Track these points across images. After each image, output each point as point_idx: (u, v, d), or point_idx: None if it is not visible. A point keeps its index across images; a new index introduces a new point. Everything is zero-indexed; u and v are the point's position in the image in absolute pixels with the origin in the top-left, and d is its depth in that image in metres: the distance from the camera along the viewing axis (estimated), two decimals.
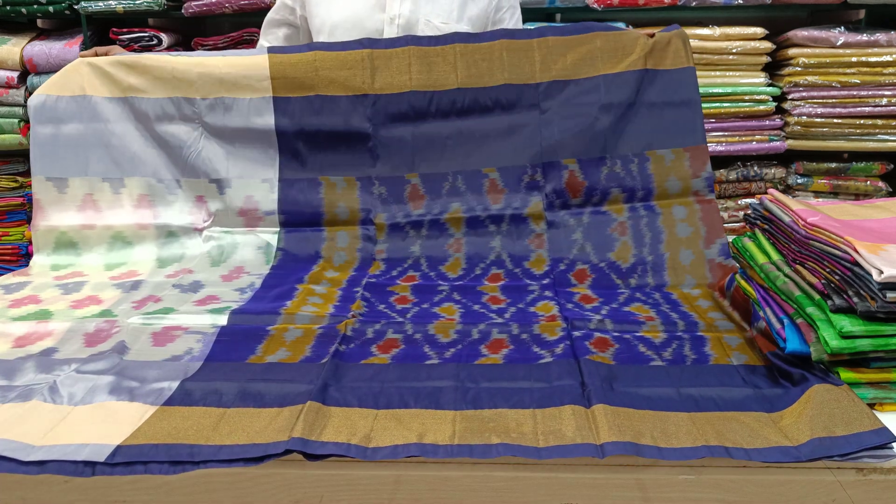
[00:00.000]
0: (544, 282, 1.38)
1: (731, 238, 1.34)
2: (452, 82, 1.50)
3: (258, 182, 1.53)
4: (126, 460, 0.84)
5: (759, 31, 2.59)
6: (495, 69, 1.50)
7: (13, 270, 2.98)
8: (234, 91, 1.51)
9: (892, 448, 0.85)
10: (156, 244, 1.52)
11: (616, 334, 1.14)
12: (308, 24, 1.76)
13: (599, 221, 1.47)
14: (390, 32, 1.63)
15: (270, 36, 1.85)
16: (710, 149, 2.62)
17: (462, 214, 1.48)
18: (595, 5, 2.58)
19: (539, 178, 1.49)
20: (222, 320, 1.20)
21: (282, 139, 1.52)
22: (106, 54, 1.59)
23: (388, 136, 1.50)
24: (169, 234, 1.53)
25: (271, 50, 1.53)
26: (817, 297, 0.99)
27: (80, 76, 1.55)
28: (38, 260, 1.51)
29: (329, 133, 1.51)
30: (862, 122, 2.61)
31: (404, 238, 1.48)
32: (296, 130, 1.51)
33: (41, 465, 0.84)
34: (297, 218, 1.52)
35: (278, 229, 1.52)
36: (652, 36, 1.53)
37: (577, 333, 1.13)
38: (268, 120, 1.50)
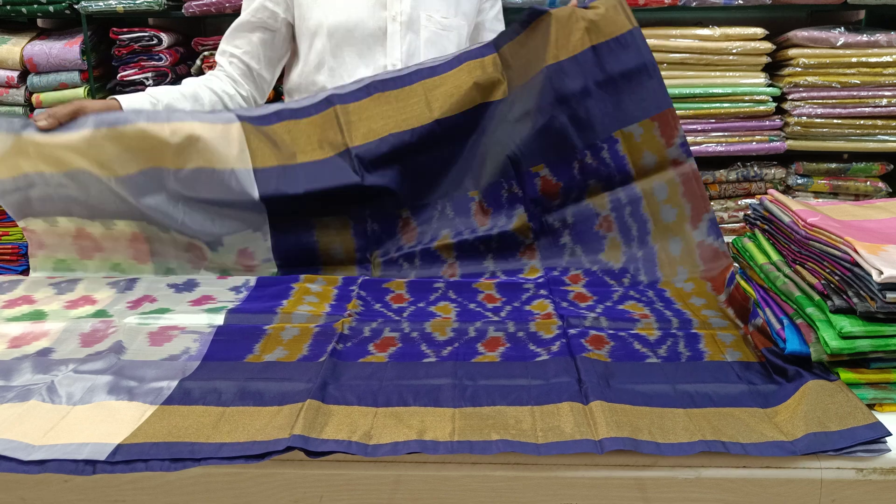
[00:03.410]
0: (539, 281, 1.38)
1: (731, 238, 1.33)
2: (427, 117, 1.44)
3: (250, 233, 1.44)
4: (127, 458, 0.84)
5: (759, 31, 2.59)
6: (465, 93, 1.45)
7: (13, 271, 2.99)
8: (213, 162, 1.39)
9: (885, 442, 0.86)
10: (153, 272, 1.46)
11: (611, 332, 1.14)
12: (294, 28, 1.68)
13: (584, 217, 1.42)
14: (393, 30, 1.61)
15: (241, 41, 1.68)
16: (710, 149, 2.66)
17: (451, 240, 1.44)
18: None
19: (517, 190, 1.44)
20: (219, 320, 1.20)
21: (269, 203, 1.41)
22: (72, 114, 1.34)
23: (376, 179, 1.44)
24: (167, 270, 1.47)
25: (241, 118, 1.42)
26: (817, 297, 0.99)
27: (26, 161, 1.35)
28: (34, 276, 1.47)
29: (319, 191, 1.43)
30: (862, 122, 2.62)
31: (399, 270, 1.44)
32: (283, 196, 1.41)
33: (41, 465, 0.84)
34: (293, 261, 1.46)
35: (276, 270, 1.46)
36: (585, 6, 1.43)
37: (572, 331, 1.13)
38: (251, 191, 1.40)
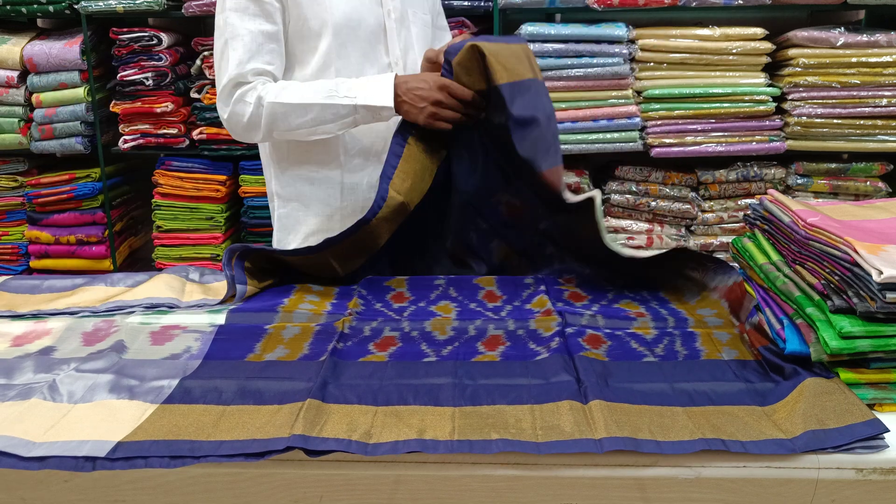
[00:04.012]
0: (539, 276, 1.40)
1: (730, 238, 1.33)
2: (405, 210, 1.37)
3: None
4: (126, 455, 0.85)
5: (759, 31, 2.59)
6: (427, 175, 1.43)
7: (13, 271, 2.99)
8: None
9: (883, 439, 0.86)
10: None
11: (608, 331, 1.14)
12: (295, 29, 1.53)
13: (560, 226, 1.40)
14: (391, 26, 1.57)
15: (270, 55, 1.48)
16: (710, 149, 2.67)
17: (442, 280, 1.40)
18: (595, 5, 2.59)
19: (484, 226, 1.45)
20: (220, 319, 1.20)
21: None
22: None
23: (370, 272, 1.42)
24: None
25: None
26: (817, 297, 0.99)
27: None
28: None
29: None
30: (862, 122, 2.62)
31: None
32: None
33: (42, 461, 0.84)
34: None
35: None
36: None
37: (569, 330, 1.14)
38: None
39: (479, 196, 1.44)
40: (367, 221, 1.32)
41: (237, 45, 1.47)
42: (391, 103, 1.41)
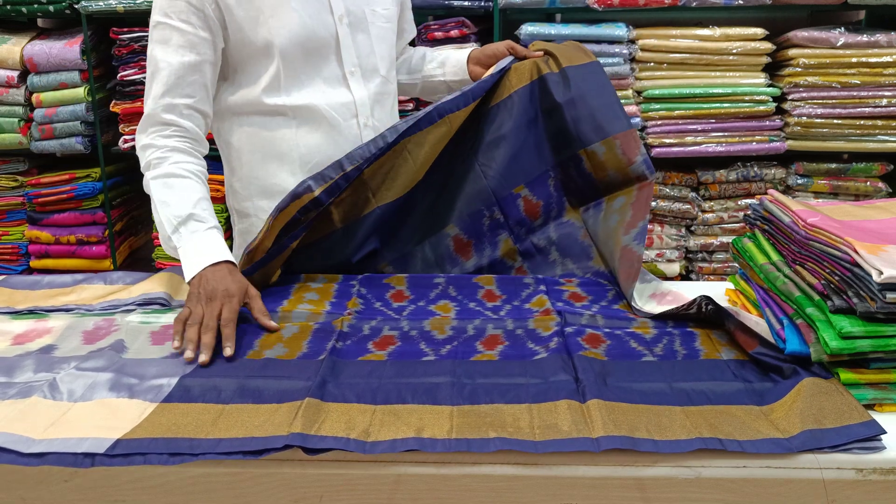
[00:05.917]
0: (539, 276, 1.40)
1: (730, 239, 1.33)
2: (414, 177, 1.42)
3: None
4: (125, 452, 0.85)
5: (760, 31, 2.59)
6: (439, 141, 1.43)
7: (13, 270, 2.99)
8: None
9: (881, 440, 0.86)
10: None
11: (607, 330, 1.15)
12: (228, 50, 1.45)
13: (567, 231, 1.46)
14: (343, 33, 1.48)
15: (191, 87, 1.41)
16: (710, 149, 2.67)
17: (443, 278, 1.40)
18: (595, 5, 2.59)
19: (499, 216, 1.47)
20: None
21: None
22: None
23: (363, 250, 1.43)
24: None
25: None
26: (817, 297, 0.99)
27: None
28: None
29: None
30: (862, 122, 2.62)
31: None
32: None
33: (41, 458, 0.85)
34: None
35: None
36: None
37: (569, 329, 1.14)
38: None
39: (504, 182, 1.46)
40: (429, 122, 1.39)
41: (158, 79, 1.41)
42: (187, 278, 1.28)
